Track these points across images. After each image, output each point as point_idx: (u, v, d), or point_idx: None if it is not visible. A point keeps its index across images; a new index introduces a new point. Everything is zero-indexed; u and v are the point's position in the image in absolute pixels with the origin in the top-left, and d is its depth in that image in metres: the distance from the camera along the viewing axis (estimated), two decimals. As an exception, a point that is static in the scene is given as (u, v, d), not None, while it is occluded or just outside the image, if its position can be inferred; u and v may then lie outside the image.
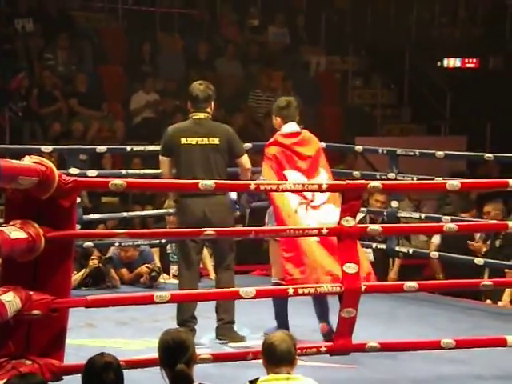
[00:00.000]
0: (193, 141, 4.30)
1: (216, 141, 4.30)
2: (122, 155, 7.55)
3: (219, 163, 4.31)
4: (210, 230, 3.69)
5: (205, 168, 4.24)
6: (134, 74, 8.93)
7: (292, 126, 4.46)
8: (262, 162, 4.47)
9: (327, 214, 4.26)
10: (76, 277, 5.60)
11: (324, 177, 4.36)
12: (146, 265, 5.83)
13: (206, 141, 4.30)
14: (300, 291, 3.74)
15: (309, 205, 4.31)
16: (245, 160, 4.44)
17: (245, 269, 6.67)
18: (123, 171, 5.82)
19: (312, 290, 3.76)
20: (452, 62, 11.43)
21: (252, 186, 3.68)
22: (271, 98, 9.26)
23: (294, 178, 4.31)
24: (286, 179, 4.28)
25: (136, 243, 5.76)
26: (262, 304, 4.40)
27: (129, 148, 5.97)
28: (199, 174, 4.19)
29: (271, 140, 4.49)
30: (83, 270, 5.66)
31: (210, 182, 3.62)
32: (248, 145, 6.26)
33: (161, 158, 4.37)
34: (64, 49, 8.70)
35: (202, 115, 4.35)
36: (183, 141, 4.30)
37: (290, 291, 3.71)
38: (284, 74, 9.62)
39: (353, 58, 10.42)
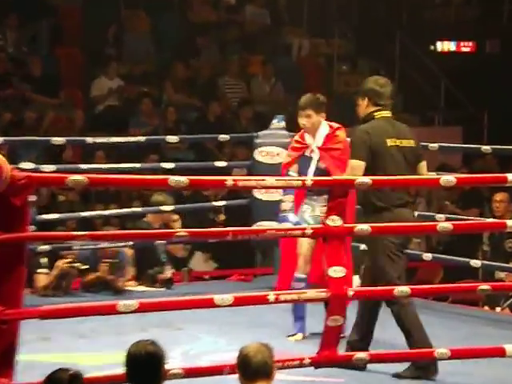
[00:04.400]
0: (395, 142, 4.16)
1: (412, 143, 4.21)
2: (82, 148, 7.45)
3: (413, 167, 4.19)
4: (182, 231, 3.63)
5: (406, 173, 4.09)
6: (96, 57, 8.78)
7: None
8: (340, 151, 4.61)
9: None
10: (45, 281, 5.55)
11: None
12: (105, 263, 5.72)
13: (404, 143, 4.19)
14: (282, 298, 3.70)
15: None
16: (425, 164, 4.32)
17: (220, 274, 6.65)
18: (83, 166, 5.74)
19: (295, 297, 3.73)
20: (446, 46, 11.45)
21: (229, 183, 3.63)
22: (242, 84, 9.22)
23: None
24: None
25: (118, 244, 5.70)
26: (238, 312, 4.36)
27: (90, 140, 5.89)
28: None
29: (337, 129, 4.67)
30: (50, 273, 5.60)
31: (183, 179, 3.54)
32: (225, 136, 6.24)
33: (355, 162, 4.08)
34: (14, 29, 8.51)
35: (389, 114, 4.25)
36: (389, 142, 4.15)
37: (271, 298, 3.66)
38: (264, 59, 9.59)
39: (338, 40, 10.41)
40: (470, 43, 11.44)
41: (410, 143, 4.20)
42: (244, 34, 9.87)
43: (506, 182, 3.89)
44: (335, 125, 4.76)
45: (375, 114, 4.21)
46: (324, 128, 4.72)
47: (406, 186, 4.09)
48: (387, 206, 4.08)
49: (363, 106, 4.24)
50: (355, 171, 4.05)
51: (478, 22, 11.34)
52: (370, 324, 4.14)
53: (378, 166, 4.08)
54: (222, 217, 6.91)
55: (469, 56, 11.28)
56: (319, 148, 4.68)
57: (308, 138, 4.75)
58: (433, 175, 4.45)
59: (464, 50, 11.47)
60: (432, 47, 11.31)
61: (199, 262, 7.06)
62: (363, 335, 4.14)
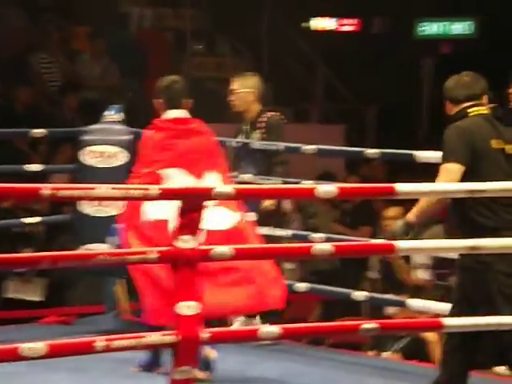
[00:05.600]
0: (500, 145, 4.20)
1: None
2: None
3: None
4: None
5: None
6: None
7: (178, 113, 4.85)
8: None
9: (221, 218, 4.63)
10: None
11: (212, 181, 4.76)
12: None
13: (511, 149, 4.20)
14: (114, 344, 3.62)
15: None
16: None
17: (30, 314, 6.46)
18: None
19: (133, 343, 3.66)
20: (324, 24, 11.75)
21: (46, 192, 3.51)
22: (63, 64, 9.06)
23: (176, 177, 4.71)
24: (159, 181, 4.64)
25: None
26: (55, 366, 4.23)
27: None
28: None
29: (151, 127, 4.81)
30: None
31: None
32: (40, 131, 6.10)
33: (452, 165, 4.10)
34: None
35: (487, 111, 4.28)
36: (494, 144, 4.18)
37: (100, 345, 3.58)
38: (92, 31, 9.49)
39: (191, 11, 10.47)
40: (354, 21, 11.79)
41: None
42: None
43: (393, 194, 3.93)
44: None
45: (469, 110, 4.26)
46: None
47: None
48: (495, 227, 4.07)
49: (448, 108, 4.32)
50: (451, 176, 4.06)
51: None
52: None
53: (482, 172, 4.10)
54: (39, 228, 6.76)
55: (352, 36, 11.61)
56: None
57: None
58: None
59: (346, 29, 11.82)
60: (306, 25, 11.57)
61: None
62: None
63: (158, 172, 4.72)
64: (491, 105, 4.51)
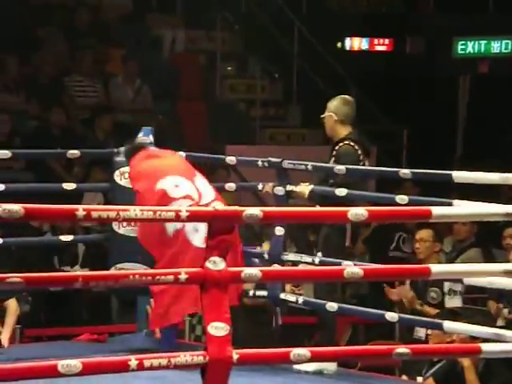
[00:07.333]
0: None
1: None
2: None
3: None
4: (14, 277, 3.58)
5: None
6: None
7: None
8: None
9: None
10: None
11: (202, 181, 5.35)
12: None
13: None
14: (147, 363, 3.70)
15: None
16: None
17: (65, 332, 6.54)
18: None
19: (164, 362, 3.74)
20: (357, 44, 11.78)
21: (80, 213, 3.60)
22: (97, 86, 9.18)
23: (172, 184, 5.26)
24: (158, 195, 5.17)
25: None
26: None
27: None
28: None
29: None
30: None
31: (16, 208, 3.50)
32: (75, 152, 6.19)
33: None
34: None
35: None
36: None
37: (133, 363, 3.65)
38: (125, 54, 9.58)
39: (222, 33, 10.51)
40: (387, 41, 11.81)
41: None
42: (99, 21, 9.84)
43: (429, 218, 3.94)
44: None
45: None
46: None
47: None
48: None
49: None
50: None
51: (396, 16, 11.72)
52: None
53: None
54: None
55: (385, 57, 11.62)
56: None
57: None
58: None
59: (379, 49, 11.83)
60: (339, 45, 11.59)
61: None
62: None
63: (156, 189, 5.23)
64: None
